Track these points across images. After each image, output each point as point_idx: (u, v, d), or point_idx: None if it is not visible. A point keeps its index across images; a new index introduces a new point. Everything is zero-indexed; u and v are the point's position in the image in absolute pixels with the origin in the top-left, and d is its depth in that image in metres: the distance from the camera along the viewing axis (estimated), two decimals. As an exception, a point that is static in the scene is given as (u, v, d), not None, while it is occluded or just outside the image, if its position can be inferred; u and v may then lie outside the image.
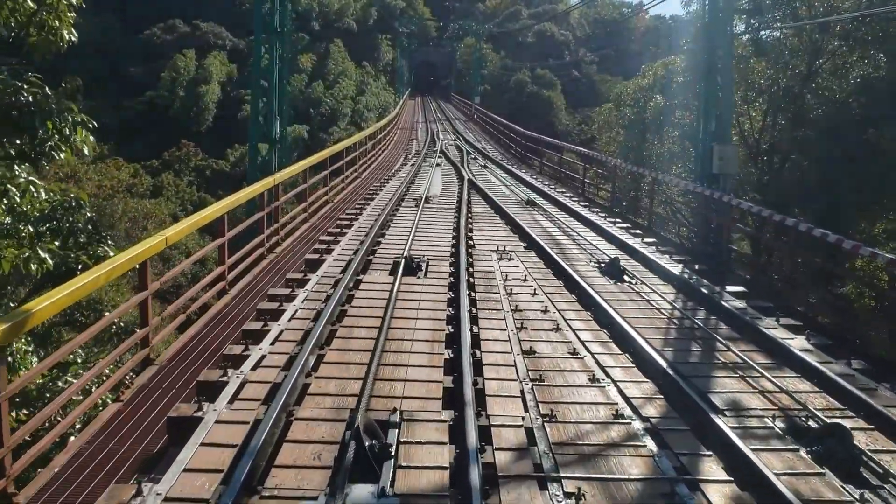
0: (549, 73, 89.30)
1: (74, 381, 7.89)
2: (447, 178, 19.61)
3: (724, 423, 4.98)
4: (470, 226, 12.72)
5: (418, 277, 9.09)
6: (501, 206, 14.49)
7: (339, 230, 12.18)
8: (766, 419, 5.27)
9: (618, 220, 14.21)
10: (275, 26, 17.80)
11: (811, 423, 5.15)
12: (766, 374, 6.12)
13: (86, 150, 8.07)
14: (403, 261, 9.37)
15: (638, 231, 13.08)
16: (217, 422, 4.92)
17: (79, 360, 9.20)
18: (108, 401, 6.58)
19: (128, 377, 6.61)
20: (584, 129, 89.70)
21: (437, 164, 22.36)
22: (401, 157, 26.58)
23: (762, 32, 17.60)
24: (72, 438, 5.95)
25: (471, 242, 11.35)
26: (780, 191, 17.53)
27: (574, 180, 20.55)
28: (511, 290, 8.58)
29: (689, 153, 16.82)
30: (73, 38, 8.04)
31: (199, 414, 5.03)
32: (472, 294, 8.24)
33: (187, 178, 65.92)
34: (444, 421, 4.94)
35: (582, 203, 16.39)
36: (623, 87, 21.82)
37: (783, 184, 17.72)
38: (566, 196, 17.42)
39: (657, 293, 8.80)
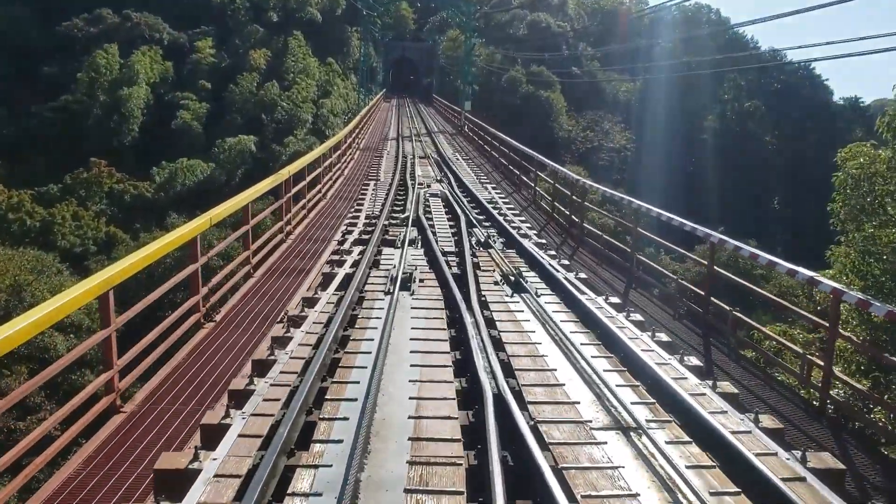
0: (547, 71, 76.59)
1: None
2: (430, 390, 6.51)
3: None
4: None
5: None
6: None
7: None
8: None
9: None
10: None
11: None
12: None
13: None
14: None
15: None
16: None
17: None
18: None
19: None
20: (588, 135, 76.97)
21: (405, 279, 9.25)
22: (337, 233, 13.43)
23: None
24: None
25: None
26: None
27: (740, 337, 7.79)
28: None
29: None
30: None
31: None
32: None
33: (97, 206, 52.17)
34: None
35: None
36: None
37: None
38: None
39: None
